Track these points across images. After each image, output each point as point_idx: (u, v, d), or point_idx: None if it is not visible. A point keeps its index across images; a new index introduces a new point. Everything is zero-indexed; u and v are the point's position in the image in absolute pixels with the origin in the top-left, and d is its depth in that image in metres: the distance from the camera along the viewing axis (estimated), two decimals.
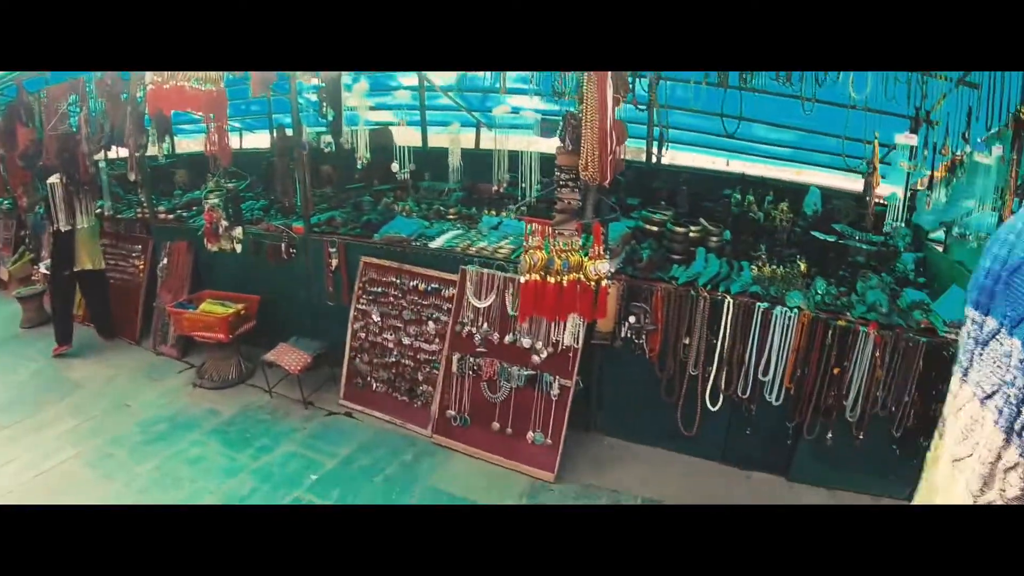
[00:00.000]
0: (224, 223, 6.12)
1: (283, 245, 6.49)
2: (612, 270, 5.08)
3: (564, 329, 5.24)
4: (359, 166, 5.90)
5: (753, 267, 5.63)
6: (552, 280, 4.52)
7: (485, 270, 5.64)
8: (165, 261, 7.64)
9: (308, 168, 6.16)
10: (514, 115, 5.98)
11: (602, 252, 4.60)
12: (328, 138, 6.04)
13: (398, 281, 6.07)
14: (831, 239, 6.32)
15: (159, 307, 7.68)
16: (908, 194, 7.01)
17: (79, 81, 7.65)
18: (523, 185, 5.69)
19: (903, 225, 6.49)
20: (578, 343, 5.33)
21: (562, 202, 4.59)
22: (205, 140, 6.16)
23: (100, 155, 7.89)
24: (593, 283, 4.57)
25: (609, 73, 4.14)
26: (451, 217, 6.83)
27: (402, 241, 6.12)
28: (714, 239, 6.10)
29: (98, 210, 8.26)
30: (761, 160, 8.85)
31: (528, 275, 4.57)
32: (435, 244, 6.09)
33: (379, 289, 6.15)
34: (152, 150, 7.58)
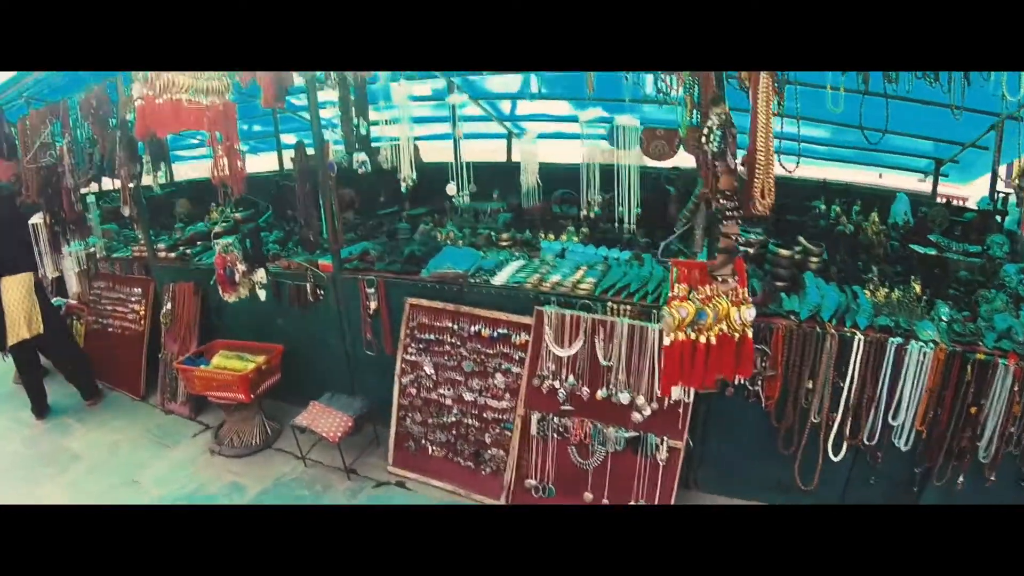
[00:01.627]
0: (242, 266, 4.79)
1: (308, 285, 5.16)
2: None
3: None
4: (403, 189, 4.59)
5: (866, 292, 4.43)
6: (703, 338, 3.24)
7: (568, 311, 4.34)
8: (169, 306, 6.25)
9: (336, 193, 4.83)
10: (599, 122, 4.63)
11: (746, 295, 3.37)
12: (362, 156, 4.73)
13: (455, 326, 4.75)
14: (931, 252, 5.12)
15: (165, 359, 6.32)
16: (998, 197, 5.89)
17: (60, 105, 6.27)
18: (619, 208, 4.37)
19: (1000, 233, 5.34)
20: (689, 396, 4.09)
21: (727, 239, 3.34)
22: (211, 166, 4.81)
23: (88, 188, 6.53)
24: (738, 333, 3.32)
25: (763, 74, 2.95)
26: (504, 244, 5.50)
27: (458, 278, 4.79)
28: (814, 260, 4.87)
29: (90, 249, 6.89)
30: (828, 163, 7.55)
31: (674, 334, 3.29)
32: (498, 280, 4.76)
33: (431, 336, 4.82)
34: (147, 180, 6.23)
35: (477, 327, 4.68)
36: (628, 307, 4.30)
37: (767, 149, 2.99)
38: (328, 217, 4.80)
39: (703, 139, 3.41)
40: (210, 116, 4.56)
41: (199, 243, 6.52)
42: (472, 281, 4.77)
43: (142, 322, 6.53)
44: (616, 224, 4.37)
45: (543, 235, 5.65)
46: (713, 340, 3.26)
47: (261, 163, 9.95)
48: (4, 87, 6.12)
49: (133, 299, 6.63)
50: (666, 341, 3.35)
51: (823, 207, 6.13)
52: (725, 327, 3.30)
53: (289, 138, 8.87)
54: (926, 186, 7.21)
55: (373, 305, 4.93)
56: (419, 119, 7.40)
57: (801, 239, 4.92)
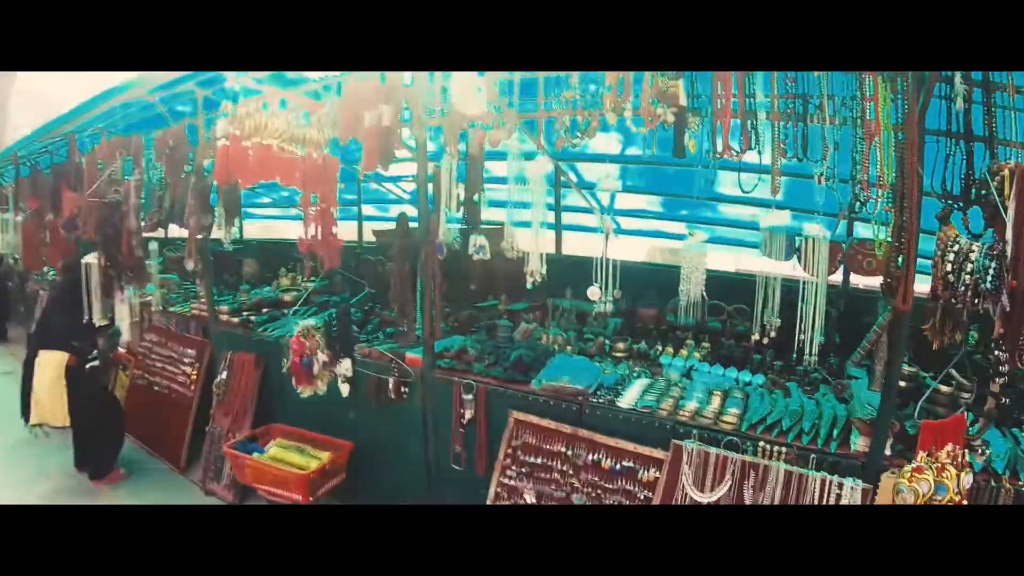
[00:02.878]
0: (323, 355, 3.82)
1: (391, 380, 4.16)
2: None
3: None
4: (529, 286, 3.62)
5: None
6: None
7: (712, 449, 3.35)
8: (224, 375, 5.32)
9: (440, 279, 3.86)
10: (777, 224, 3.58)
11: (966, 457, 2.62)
12: (481, 240, 3.77)
13: (569, 452, 3.69)
14: None
15: (213, 433, 5.36)
16: None
17: (132, 140, 5.51)
18: (801, 336, 3.30)
19: None
20: None
21: (994, 399, 2.36)
22: (302, 229, 3.91)
23: (152, 232, 5.72)
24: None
25: None
26: (619, 355, 4.47)
27: (576, 394, 3.77)
28: (965, 396, 3.71)
29: (145, 297, 6.04)
30: None
31: None
32: (626, 402, 3.73)
33: (538, 459, 3.75)
34: (217, 233, 5.40)
35: (596, 455, 3.65)
36: (783, 449, 3.32)
37: None
38: (426, 305, 3.82)
39: (950, 267, 2.44)
40: (305, 169, 3.68)
41: (265, 310, 5.62)
42: (594, 401, 3.73)
43: (193, 387, 5.60)
44: (796, 354, 3.33)
45: (659, 348, 4.60)
46: None
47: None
48: (78, 111, 5.37)
49: (186, 360, 5.72)
50: None
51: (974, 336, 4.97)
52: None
53: (369, 209, 8.06)
54: None
55: (469, 413, 3.91)
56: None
57: (952, 372, 3.80)
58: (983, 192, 2.48)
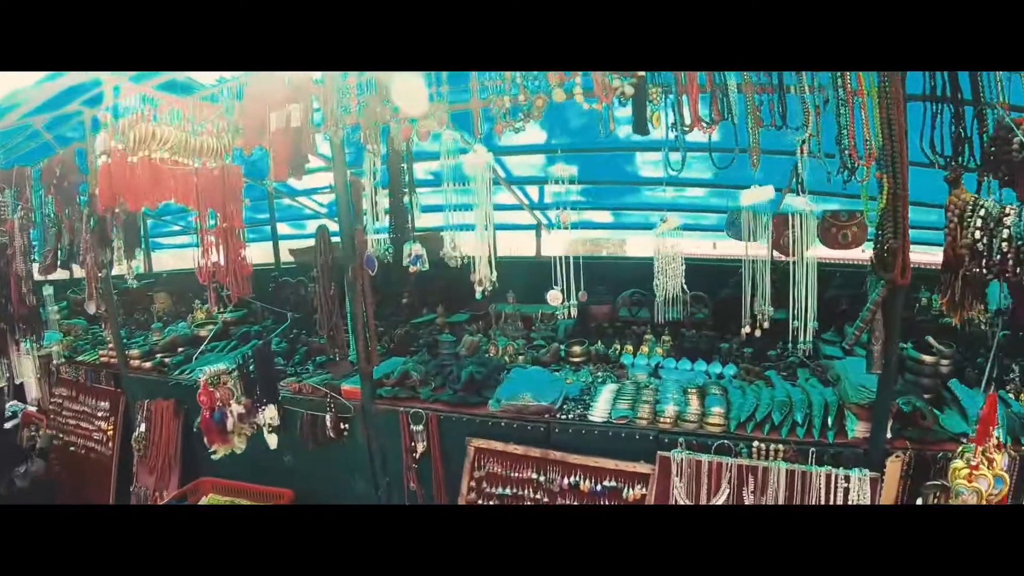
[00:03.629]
0: (238, 406, 3.14)
1: (328, 417, 3.53)
2: None
3: None
4: (478, 296, 3.02)
5: (1010, 394, 3.21)
6: None
7: (704, 456, 2.93)
8: (142, 428, 4.57)
9: (370, 298, 3.23)
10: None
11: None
12: (416, 248, 3.15)
13: (541, 478, 3.16)
14: None
15: (138, 494, 4.60)
16: None
17: (15, 171, 4.72)
18: (794, 323, 2.79)
19: None
20: None
21: None
22: (198, 255, 3.23)
23: (48, 276, 4.93)
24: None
25: None
26: (576, 359, 3.94)
27: (542, 412, 3.22)
28: (945, 363, 3.37)
29: (43, 350, 5.22)
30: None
31: None
32: (598, 414, 3.21)
33: (507, 490, 3.20)
34: (119, 269, 4.66)
35: (573, 478, 3.13)
36: (780, 447, 2.95)
37: None
38: (358, 329, 3.20)
39: (978, 234, 2.01)
40: (201, 184, 3.03)
41: (180, 349, 4.88)
42: (563, 418, 3.20)
43: (110, 444, 4.81)
44: (790, 344, 2.85)
45: (618, 347, 4.10)
46: None
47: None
48: None
49: (100, 414, 4.92)
50: None
51: (927, 296, 4.63)
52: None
53: (283, 227, 7.26)
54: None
55: (420, 447, 3.31)
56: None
57: (930, 339, 3.46)
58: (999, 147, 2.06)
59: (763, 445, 2.96)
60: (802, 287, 2.80)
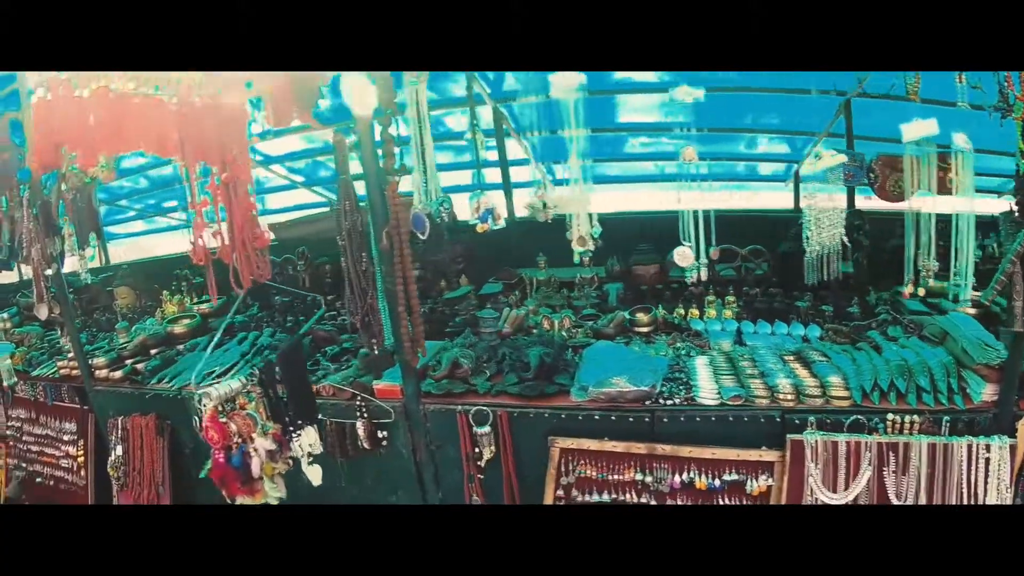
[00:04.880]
0: (265, 438, 2.15)
1: (361, 424, 2.67)
2: None
3: None
4: (576, 257, 2.20)
5: None
6: None
7: (840, 436, 2.33)
8: (119, 451, 3.64)
9: (411, 270, 2.33)
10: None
11: None
12: (485, 200, 2.27)
13: (648, 478, 2.41)
14: None
15: None
16: None
17: None
18: (956, 278, 2.02)
19: None
20: None
21: None
22: (193, 228, 2.23)
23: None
24: None
25: None
26: (643, 329, 3.16)
27: (643, 398, 2.44)
28: None
29: None
30: None
31: None
32: (706, 396, 2.46)
33: (604, 496, 2.44)
34: (72, 263, 3.70)
35: (687, 474, 2.40)
36: (915, 418, 2.39)
37: None
38: (399, 311, 2.34)
39: None
40: (185, 124, 2.06)
41: (154, 351, 3.93)
42: (670, 404, 2.42)
43: (83, 472, 3.87)
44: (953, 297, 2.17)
45: (682, 311, 3.34)
46: None
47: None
48: None
49: (65, 438, 3.96)
50: None
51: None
52: None
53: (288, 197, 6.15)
54: None
55: (487, 453, 2.49)
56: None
57: None
58: None
59: (897, 417, 2.39)
60: (965, 239, 2.09)
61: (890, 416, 2.39)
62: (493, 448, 2.51)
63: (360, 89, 2.10)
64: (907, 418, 2.39)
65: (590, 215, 2.20)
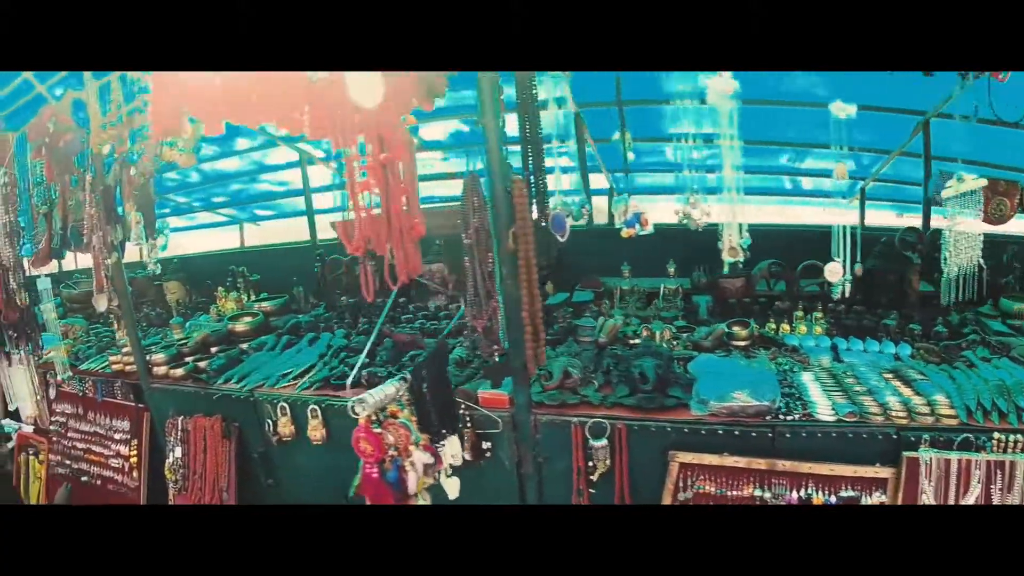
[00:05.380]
0: (420, 450, 1.95)
1: (467, 435, 2.56)
2: None
3: None
4: (726, 266, 2.12)
5: None
6: None
7: (952, 454, 2.33)
8: (177, 453, 3.48)
9: (535, 274, 2.24)
10: None
11: None
12: (633, 204, 2.16)
13: (767, 493, 2.35)
14: None
15: None
16: None
17: None
18: None
19: None
20: None
21: None
22: (351, 204, 1.98)
23: (41, 268, 3.75)
24: None
25: None
26: (740, 342, 3.08)
27: (763, 413, 2.37)
28: None
29: (45, 355, 3.99)
30: None
31: None
32: (824, 412, 2.41)
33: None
34: (134, 251, 3.55)
35: (804, 491, 2.35)
36: (1021, 437, 2.36)
37: None
38: (520, 317, 2.24)
39: None
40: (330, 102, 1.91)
41: (214, 349, 3.77)
42: (791, 419, 2.36)
43: (135, 473, 3.70)
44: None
45: (773, 326, 3.29)
46: None
47: (263, 235, 6.87)
48: None
49: (117, 436, 3.79)
50: None
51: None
52: None
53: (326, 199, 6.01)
54: None
55: (601, 468, 2.41)
56: None
57: None
58: None
59: (1003, 436, 2.37)
60: None
61: (996, 435, 2.36)
62: (608, 462, 2.42)
63: (366, 83, 2.06)
64: (1011, 437, 2.36)
65: (740, 225, 2.12)
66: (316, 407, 2.96)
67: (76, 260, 4.75)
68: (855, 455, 2.39)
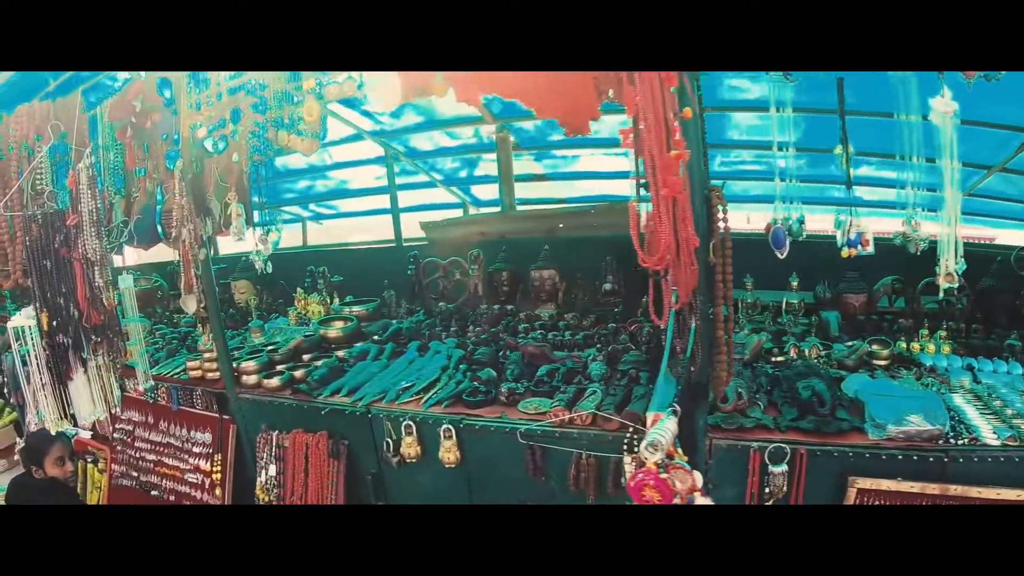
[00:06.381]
0: (700, 492, 1.76)
1: (630, 460, 2.46)
2: None
3: None
4: (940, 295, 2.00)
5: None
6: None
7: None
8: (272, 471, 3.24)
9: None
10: None
11: None
12: (860, 222, 2.07)
13: None
14: None
15: None
16: None
17: (69, 100, 3.20)
18: None
19: None
20: None
21: None
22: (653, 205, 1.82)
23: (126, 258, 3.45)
24: None
25: None
26: (880, 362, 3.07)
27: (935, 437, 2.37)
28: None
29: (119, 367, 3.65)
30: None
31: None
32: (989, 435, 2.42)
33: None
34: (229, 241, 3.31)
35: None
36: None
37: None
38: (719, 336, 2.15)
39: None
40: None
41: (308, 357, 3.55)
42: (961, 443, 2.36)
43: (217, 491, 3.43)
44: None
45: (903, 345, 3.31)
46: None
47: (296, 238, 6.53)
48: None
49: (196, 450, 3.52)
50: None
51: None
52: None
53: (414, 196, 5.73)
54: None
55: (778, 494, 2.35)
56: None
57: None
58: None
59: None
60: None
61: None
62: (785, 489, 2.37)
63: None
64: None
65: (956, 248, 2.09)
66: (451, 427, 2.79)
67: (124, 257, 4.42)
68: (1015, 480, 2.39)
